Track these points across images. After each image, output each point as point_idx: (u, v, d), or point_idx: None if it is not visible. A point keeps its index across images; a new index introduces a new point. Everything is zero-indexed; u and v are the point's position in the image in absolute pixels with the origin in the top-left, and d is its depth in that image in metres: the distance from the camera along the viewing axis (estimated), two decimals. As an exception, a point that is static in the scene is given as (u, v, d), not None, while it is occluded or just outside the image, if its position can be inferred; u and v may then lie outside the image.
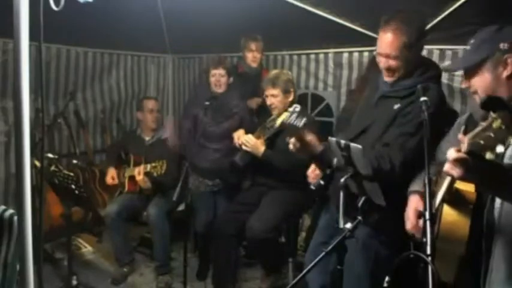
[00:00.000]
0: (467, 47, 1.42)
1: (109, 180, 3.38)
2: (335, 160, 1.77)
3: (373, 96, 1.97)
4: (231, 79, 3.15)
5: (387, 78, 1.86)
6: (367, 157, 1.71)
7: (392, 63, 1.78)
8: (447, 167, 1.13)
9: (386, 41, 1.76)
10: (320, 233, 2.20)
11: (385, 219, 1.80)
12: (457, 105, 2.93)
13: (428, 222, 1.19)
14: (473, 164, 1.09)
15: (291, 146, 1.89)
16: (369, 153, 1.76)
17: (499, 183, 1.17)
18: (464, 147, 1.08)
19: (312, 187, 1.92)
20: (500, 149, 1.04)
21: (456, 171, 1.11)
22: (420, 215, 1.51)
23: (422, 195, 1.54)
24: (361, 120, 1.98)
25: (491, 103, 1.10)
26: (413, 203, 1.62)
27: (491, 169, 1.16)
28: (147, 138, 3.50)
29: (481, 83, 1.38)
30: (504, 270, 1.27)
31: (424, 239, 1.17)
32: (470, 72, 1.40)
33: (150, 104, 3.48)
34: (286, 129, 1.82)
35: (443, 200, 1.44)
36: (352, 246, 1.68)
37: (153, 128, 3.49)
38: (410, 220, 1.59)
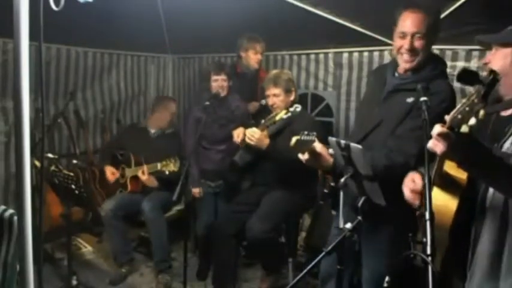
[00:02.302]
0: (509, 28, 1.37)
1: (110, 176, 3.37)
2: (348, 169, 1.73)
3: (378, 94, 1.92)
4: (231, 82, 3.16)
5: (406, 64, 1.80)
6: (377, 157, 1.71)
7: (418, 43, 1.75)
8: (431, 143, 1.13)
9: (415, 18, 1.74)
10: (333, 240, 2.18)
11: (410, 218, 1.79)
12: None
13: (428, 222, 1.19)
14: (456, 140, 1.08)
15: (301, 157, 1.88)
16: (379, 151, 1.75)
17: (481, 162, 1.16)
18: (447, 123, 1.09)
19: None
20: (472, 121, 1.05)
21: (439, 147, 1.11)
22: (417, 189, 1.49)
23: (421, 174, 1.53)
24: (368, 119, 1.93)
25: (467, 76, 1.10)
26: (411, 174, 1.57)
27: (474, 147, 1.14)
28: (152, 131, 3.51)
29: (501, 61, 1.32)
30: (488, 257, 1.26)
31: (424, 239, 1.17)
32: (499, 49, 1.35)
33: (173, 107, 3.58)
34: (298, 145, 1.83)
35: (433, 183, 1.43)
36: (373, 248, 1.66)
37: (165, 127, 3.52)
38: (406, 187, 1.54)
